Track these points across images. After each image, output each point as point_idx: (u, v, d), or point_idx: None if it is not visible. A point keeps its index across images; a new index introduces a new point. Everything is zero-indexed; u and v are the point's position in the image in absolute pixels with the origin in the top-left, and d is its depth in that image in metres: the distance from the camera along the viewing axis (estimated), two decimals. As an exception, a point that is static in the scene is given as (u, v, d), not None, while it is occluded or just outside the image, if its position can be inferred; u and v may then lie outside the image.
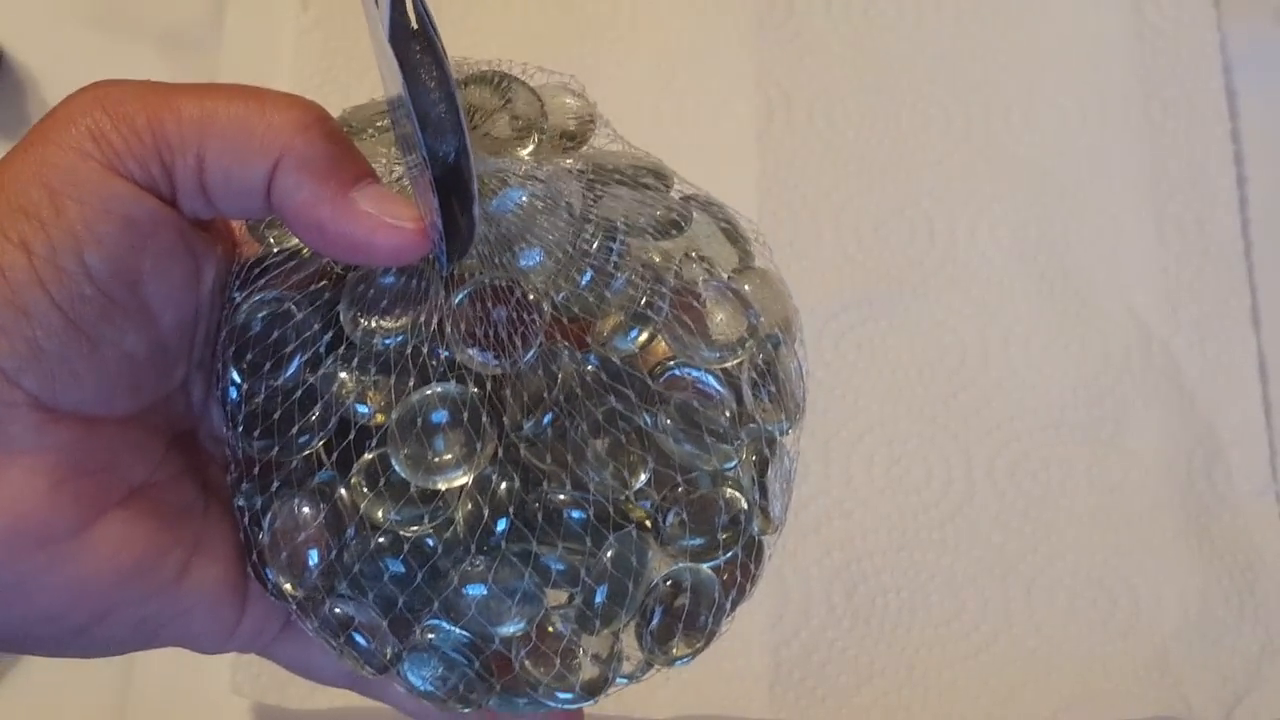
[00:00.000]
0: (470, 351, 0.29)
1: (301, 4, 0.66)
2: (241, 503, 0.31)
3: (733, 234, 0.34)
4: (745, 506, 0.31)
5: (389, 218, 0.27)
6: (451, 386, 0.29)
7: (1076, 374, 0.63)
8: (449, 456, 0.29)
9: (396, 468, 0.29)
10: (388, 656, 0.31)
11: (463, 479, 0.29)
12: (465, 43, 0.66)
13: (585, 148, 0.33)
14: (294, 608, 0.31)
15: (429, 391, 0.29)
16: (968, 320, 0.63)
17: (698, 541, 0.31)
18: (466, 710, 0.31)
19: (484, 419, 0.29)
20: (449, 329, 0.29)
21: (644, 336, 0.30)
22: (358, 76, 0.65)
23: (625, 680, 0.32)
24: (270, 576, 0.30)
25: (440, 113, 0.25)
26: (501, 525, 0.30)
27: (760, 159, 0.65)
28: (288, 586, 0.30)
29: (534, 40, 0.67)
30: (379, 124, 0.32)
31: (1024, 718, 0.58)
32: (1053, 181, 0.66)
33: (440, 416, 0.29)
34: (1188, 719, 0.57)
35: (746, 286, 0.32)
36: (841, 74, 0.67)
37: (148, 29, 0.67)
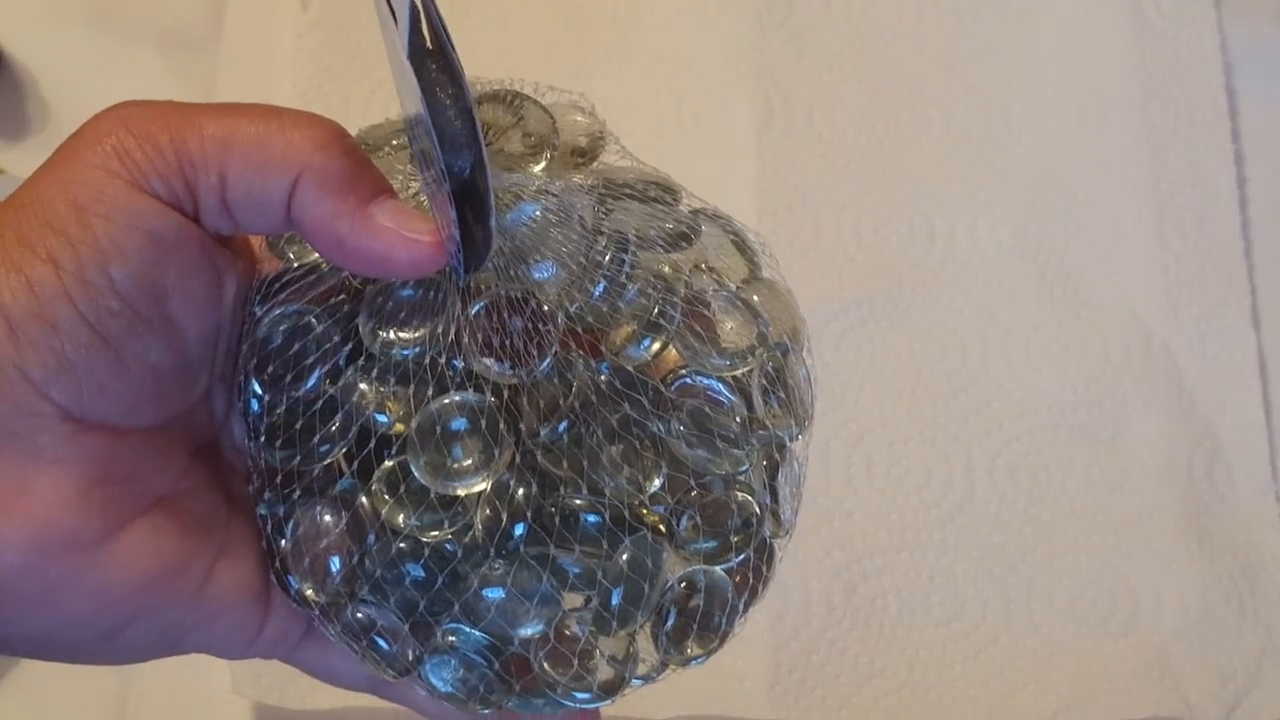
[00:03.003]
0: (487, 361, 0.29)
1: (301, 4, 0.66)
2: (264, 511, 0.31)
3: (741, 245, 0.34)
4: (757, 510, 0.32)
5: (407, 231, 0.27)
6: (470, 395, 0.30)
7: (1076, 374, 0.63)
8: (468, 463, 0.30)
9: (416, 474, 0.30)
10: (409, 659, 0.31)
11: (481, 485, 0.30)
12: (465, 43, 0.66)
13: (596, 164, 0.33)
14: (317, 613, 0.31)
15: (448, 400, 0.30)
16: (968, 320, 0.63)
17: (711, 544, 0.32)
18: (486, 711, 0.32)
19: (501, 426, 0.30)
20: (466, 340, 0.29)
21: (656, 345, 0.31)
22: (358, 77, 0.65)
23: (640, 681, 0.33)
24: (293, 584, 0.31)
25: (457, 128, 0.25)
26: (519, 530, 0.30)
27: (760, 159, 0.65)
28: (310, 593, 0.31)
29: (535, 40, 0.67)
30: (395, 142, 0.33)
31: (1024, 718, 0.58)
32: (1053, 181, 0.66)
33: (459, 424, 0.30)
34: (1188, 719, 0.57)
35: (755, 297, 0.33)
36: (841, 74, 0.67)
37: (148, 29, 0.67)
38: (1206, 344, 0.64)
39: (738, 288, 0.33)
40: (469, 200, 0.26)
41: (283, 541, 0.31)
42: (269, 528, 0.31)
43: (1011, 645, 0.58)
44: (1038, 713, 0.58)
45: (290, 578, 0.31)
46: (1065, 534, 0.60)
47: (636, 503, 0.31)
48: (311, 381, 0.30)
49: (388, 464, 0.31)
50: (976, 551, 0.60)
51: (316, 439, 0.30)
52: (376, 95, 0.65)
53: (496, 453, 0.30)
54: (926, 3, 0.69)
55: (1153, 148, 0.66)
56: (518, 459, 0.30)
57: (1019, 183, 0.66)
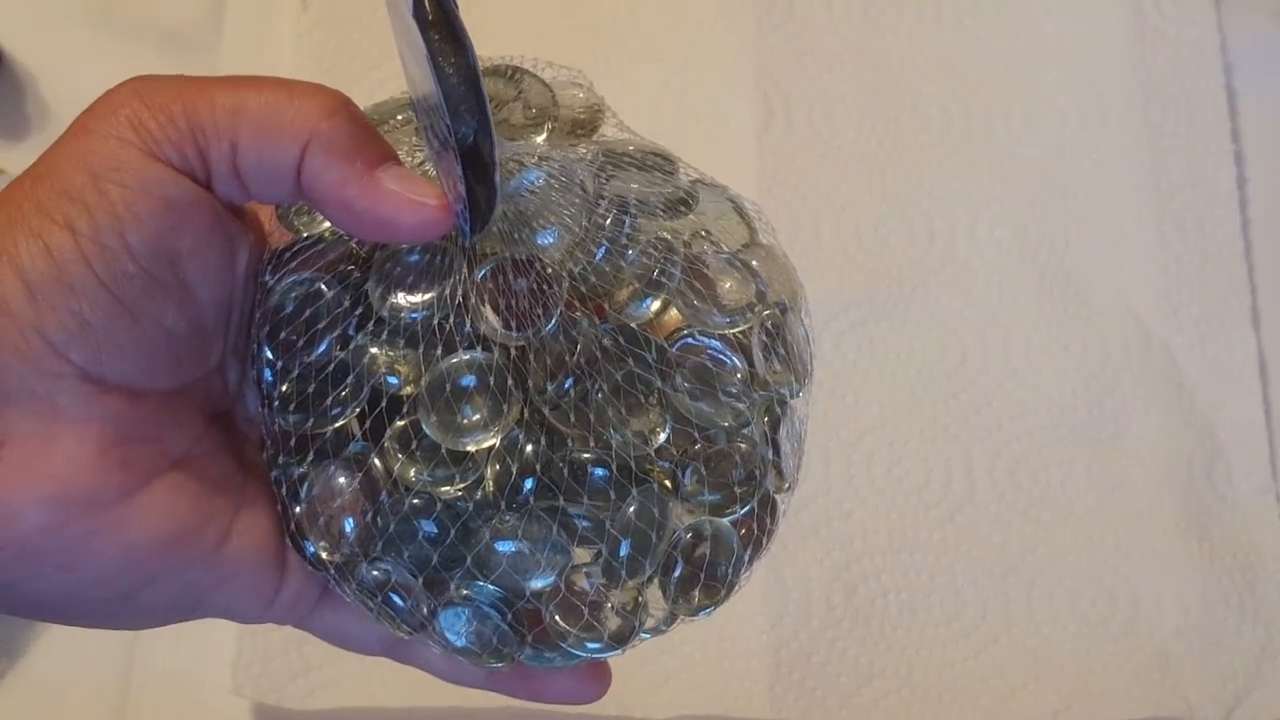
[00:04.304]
0: (494, 322, 0.30)
1: (301, 4, 0.66)
2: (278, 475, 0.32)
3: (740, 211, 0.35)
4: (760, 462, 0.33)
5: (414, 195, 0.28)
6: (479, 353, 0.31)
7: (1076, 374, 0.63)
8: (477, 418, 0.30)
9: (428, 431, 0.30)
10: (423, 614, 0.32)
11: (491, 440, 0.31)
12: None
13: (595, 136, 0.34)
14: (332, 573, 0.32)
15: (456, 359, 0.31)
16: (968, 320, 0.63)
17: (715, 497, 0.32)
18: (499, 665, 0.32)
19: (509, 383, 0.30)
20: (473, 302, 0.30)
21: (657, 304, 0.32)
22: (358, 77, 0.65)
23: (648, 635, 0.33)
24: (308, 547, 0.32)
25: (461, 92, 0.26)
26: (529, 484, 0.31)
27: (760, 159, 0.65)
28: (325, 554, 0.31)
29: (535, 39, 0.67)
30: (399, 117, 0.34)
31: (1024, 718, 0.58)
32: (1053, 181, 0.66)
33: (468, 381, 0.30)
34: (1188, 719, 0.57)
35: (754, 261, 0.34)
36: (841, 74, 0.67)
37: (148, 29, 0.67)
38: (1206, 344, 0.64)
39: (736, 252, 0.34)
40: (473, 164, 0.27)
41: (298, 507, 0.31)
42: (284, 491, 0.32)
43: (1011, 645, 0.59)
44: (1038, 713, 0.58)
45: (306, 541, 0.32)
46: (1065, 534, 0.60)
47: (643, 455, 0.32)
48: (323, 347, 0.31)
49: (399, 423, 0.31)
50: (976, 551, 0.60)
51: (329, 402, 0.31)
52: (376, 96, 0.65)
53: (505, 408, 0.30)
54: (926, 3, 0.69)
55: (1153, 148, 0.66)
56: (526, 415, 0.31)
57: (1019, 183, 0.66)
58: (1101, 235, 0.65)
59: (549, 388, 0.31)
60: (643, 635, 0.33)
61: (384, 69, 0.65)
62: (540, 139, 0.32)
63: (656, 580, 0.33)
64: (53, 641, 0.57)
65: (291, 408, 0.31)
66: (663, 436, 0.32)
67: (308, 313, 0.31)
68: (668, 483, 0.32)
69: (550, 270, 0.30)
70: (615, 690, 0.57)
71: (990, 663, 0.58)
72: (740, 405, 0.32)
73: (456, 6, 0.26)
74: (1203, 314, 0.64)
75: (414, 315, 0.30)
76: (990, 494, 0.61)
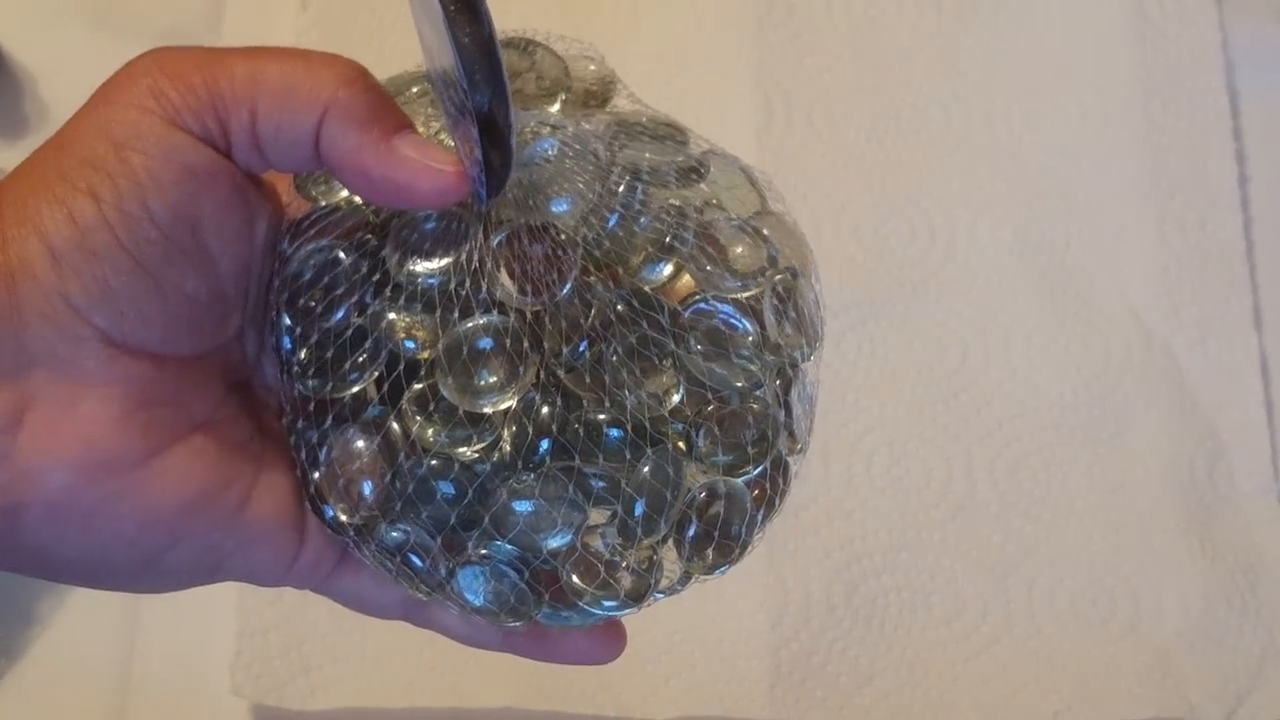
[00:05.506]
0: (509, 287, 0.31)
1: (301, 4, 0.67)
2: (297, 440, 0.32)
3: (751, 179, 0.36)
4: (772, 423, 0.33)
5: (430, 161, 0.29)
6: (495, 317, 0.31)
7: (1077, 374, 0.63)
8: (494, 380, 0.31)
9: (445, 394, 0.31)
10: (442, 574, 0.32)
11: (508, 402, 0.31)
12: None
13: (608, 107, 0.35)
14: (351, 535, 0.32)
15: (473, 323, 0.31)
16: (968, 320, 0.63)
17: (729, 457, 0.33)
18: (517, 624, 0.33)
19: (526, 346, 0.31)
20: (489, 267, 0.31)
21: (670, 268, 0.32)
22: (357, 76, 0.65)
23: (663, 595, 0.34)
24: (328, 511, 0.32)
25: (478, 61, 0.26)
26: (545, 445, 0.32)
27: (760, 159, 0.65)
28: (344, 516, 0.32)
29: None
30: (414, 89, 0.34)
31: (1024, 718, 0.58)
32: (1053, 181, 0.66)
33: (485, 344, 0.31)
34: (1189, 719, 0.57)
35: (765, 228, 0.34)
36: (841, 74, 0.67)
37: (148, 29, 0.67)
38: (1207, 344, 0.64)
39: (748, 219, 0.34)
40: (488, 130, 0.27)
41: (317, 471, 0.32)
42: (303, 456, 0.32)
43: (1012, 645, 0.58)
44: (1039, 713, 0.58)
45: (325, 505, 0.32)
46: (1066, 534, 0.60)
47: (657, 417, 0.32)
48: (341, 313, 0.32)
49: (417, 386, 0.32)
50: (976, 551, 0.60)
51: (347, 367, 0.32)
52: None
53: (522, 371, 0.31)
54: (926, 3, 0.69)
55: (1154, 147, 0.66)
56: (542, 377, 0.31)
57: (1019, 183, 0.66)
58: (1102, 235, 0.65)
59: (564, 351, 0.31)
60: (658, 594, 0.33)
61: (383, 69, 0.65)
62: (553, 109, 0.33)
63: (671, 539, 0.33)
64: (53, 641, 0.57)
65: (310, 373, 0.32)
66: (676, 398, 0.32)
67: (326, 279, 0.32)
68: (682, 444, 0.33)
69: (564, 236, 0.31)
70: (615, 690, 0.57)
71: (991, 663, 0.58)
72: (752, 367, 0.32)
73: None
74: (1204, 313, 0.64)
75: (430, 281, 0.31)
76: (990, 494, 0.61)
